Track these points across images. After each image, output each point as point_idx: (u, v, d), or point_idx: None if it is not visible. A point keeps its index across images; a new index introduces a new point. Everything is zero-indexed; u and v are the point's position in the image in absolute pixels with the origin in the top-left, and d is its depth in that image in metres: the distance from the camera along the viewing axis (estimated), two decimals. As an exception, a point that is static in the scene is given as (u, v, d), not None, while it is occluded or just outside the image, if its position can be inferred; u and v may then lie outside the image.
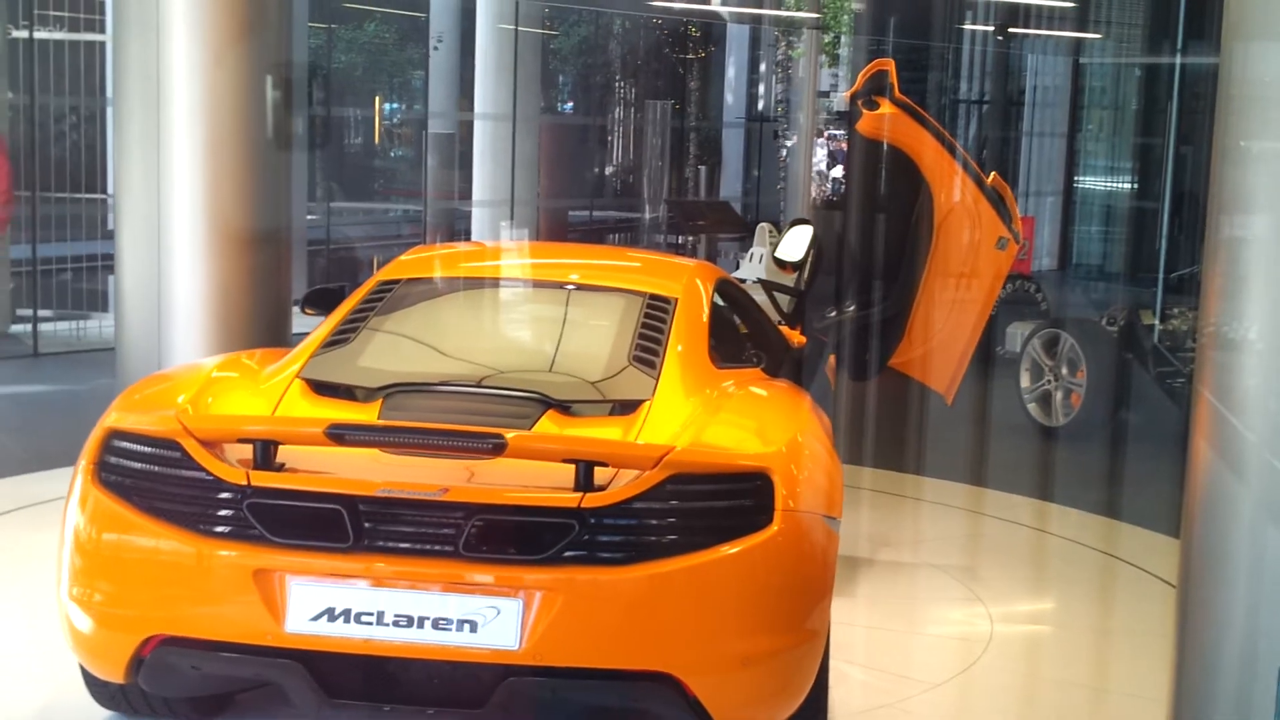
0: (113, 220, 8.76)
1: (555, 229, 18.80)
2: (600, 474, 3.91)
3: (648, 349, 4.78)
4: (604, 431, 4.26)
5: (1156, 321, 9.90)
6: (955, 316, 6.80)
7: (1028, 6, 18.75)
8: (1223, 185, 3.44)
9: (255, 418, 4.30)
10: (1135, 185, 19.94)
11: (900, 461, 8.33)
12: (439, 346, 5.10)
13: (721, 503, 3.94)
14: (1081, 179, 21.30)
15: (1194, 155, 16.30)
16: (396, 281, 5.33)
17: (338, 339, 4.92)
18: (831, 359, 6.68)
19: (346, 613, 3.86)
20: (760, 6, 20.85)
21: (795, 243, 6.94)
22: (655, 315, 5.01)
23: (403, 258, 5.75)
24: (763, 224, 11.87)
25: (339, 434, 3.92)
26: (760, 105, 23.85)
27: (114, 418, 4.20)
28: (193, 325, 7.22)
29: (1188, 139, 16.24)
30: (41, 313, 11.84)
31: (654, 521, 3.88)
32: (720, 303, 5.64)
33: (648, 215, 20.55)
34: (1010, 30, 19.74)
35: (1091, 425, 9.30)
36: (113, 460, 4.10)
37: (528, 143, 16.75)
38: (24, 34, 12.04)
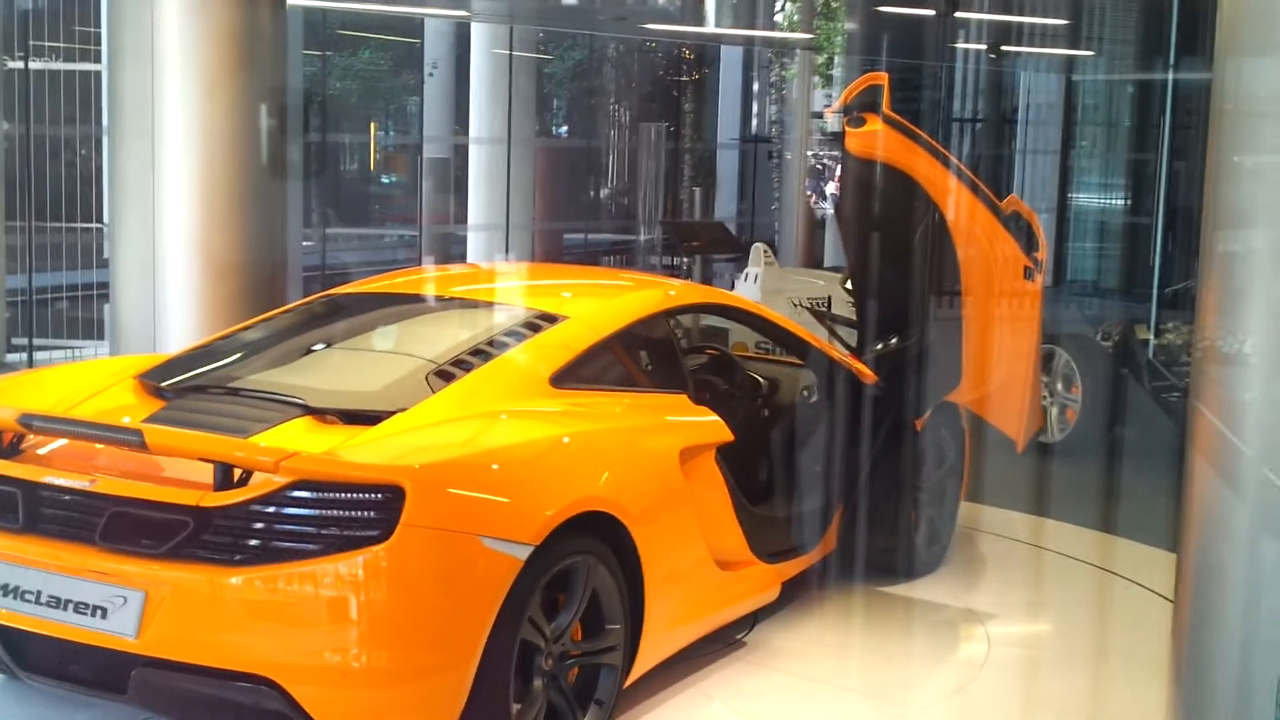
0: (108, 249, 8.75)
1: (551, 252, 18.80)
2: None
3: (461, 363, 4.79)
4: (324, 439, 4.19)
5: (1151, 336, 9.91)
6: (1006, 356, 6.48)
7: (1020, 25, 18.80)
8: (1217, 200, 3.44)
9: None
10: (1129, 201, 19.95)
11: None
12: (277, 355, 5.18)
13: (342, 512, 3.91)
14: (1075, 195, 21.31)
15: (1186, 170, 16.31)
16: (320, 298, 5.80)
17: (206, 345, 5.33)
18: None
19: (16, 589, 4.15)
20: (753, 28, 20.88)
21: None
22: (515, 332, 5.07)
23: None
24: (757, 244, 11.82)
25: (28, 422, 4.30)
26: (754, 126, 23.87)
27: None
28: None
29: (1180, 154, 16.25)
30: (37, 341, 11.84)
31: (271, 526, 3.91)
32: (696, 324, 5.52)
33: (643, 237, 20.55)
34: (1003, 49, 19.78)
35: (1087, 440, 9.29)
36: None
37: (523, 167, 16.75)
38: (20, 64, 12.06)
